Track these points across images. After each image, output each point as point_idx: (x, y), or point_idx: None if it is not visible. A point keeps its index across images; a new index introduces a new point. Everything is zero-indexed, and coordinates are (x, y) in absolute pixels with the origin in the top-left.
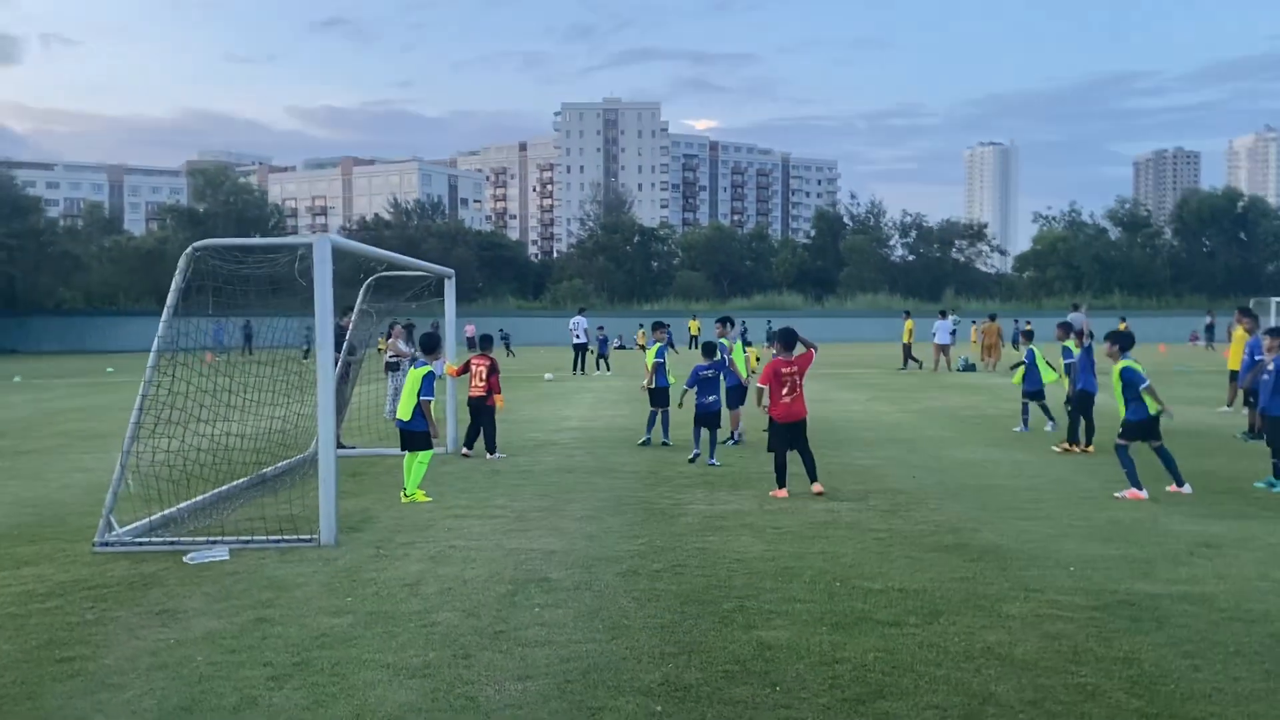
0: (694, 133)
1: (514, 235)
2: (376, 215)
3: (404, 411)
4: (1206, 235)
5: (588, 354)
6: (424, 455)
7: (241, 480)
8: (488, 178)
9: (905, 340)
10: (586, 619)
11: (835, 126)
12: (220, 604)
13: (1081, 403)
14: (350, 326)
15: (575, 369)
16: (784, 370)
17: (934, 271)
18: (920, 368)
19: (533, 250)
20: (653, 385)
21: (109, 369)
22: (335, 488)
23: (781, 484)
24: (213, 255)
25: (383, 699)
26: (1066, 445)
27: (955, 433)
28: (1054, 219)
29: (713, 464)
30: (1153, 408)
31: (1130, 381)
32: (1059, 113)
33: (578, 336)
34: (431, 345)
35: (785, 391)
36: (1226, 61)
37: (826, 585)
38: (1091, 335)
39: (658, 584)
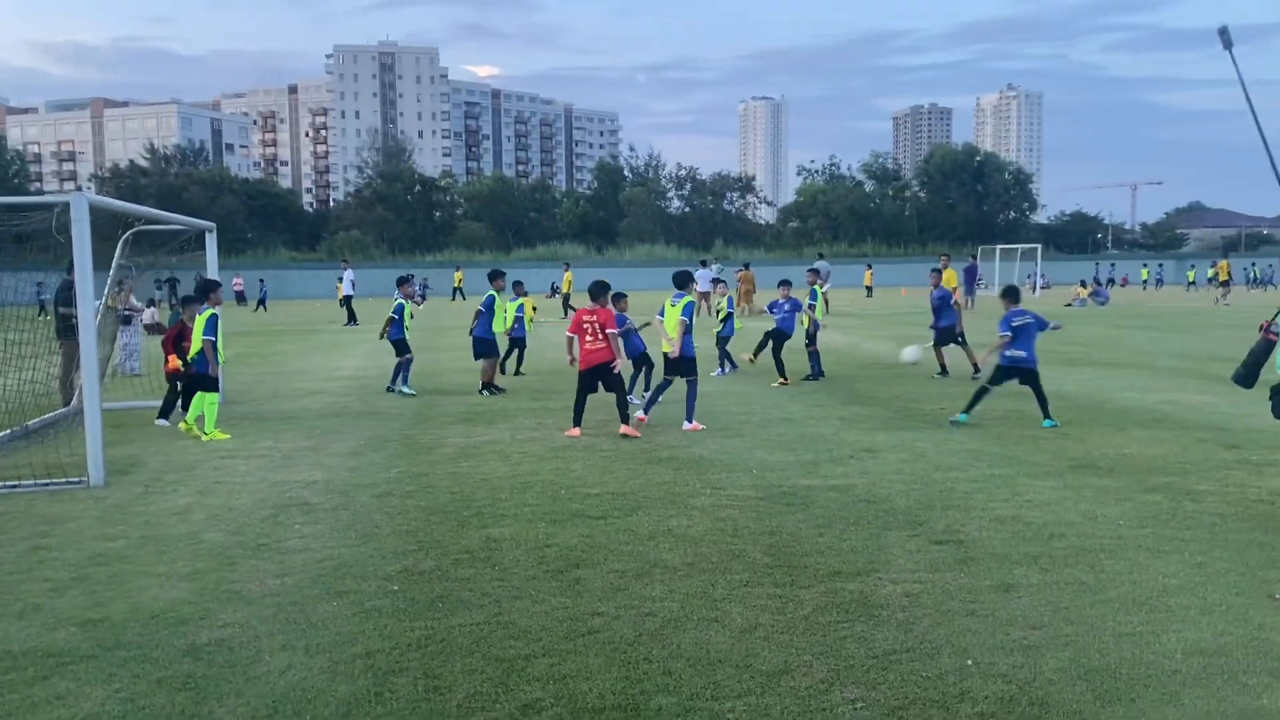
0: (475, 80)
1: (286, 183)
2: (132, 162)
3: (193, 353)
4: (949, 188)
5: (352, 304)
6: (211, 396)
7: (3, 433)
8: (255, 122)
9: (565, 290)
10: (341, 531)
11: (617, 78)
12: None
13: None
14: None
15: (348, 321)
16: (585, 319)
17: (707, 222)
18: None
19: (307, 199)
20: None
21: None
22: (101, 431)
23: (576, 423)
24: None
25: (156, 597)
26: (782, 380)
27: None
28: (816, 172)
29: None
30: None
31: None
32: (826, 68)
33: (345, 289)
34: (208, 289)
35: (587, 338)
36: (977, 22)
37: (553, 493)
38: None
39: (408, 501)
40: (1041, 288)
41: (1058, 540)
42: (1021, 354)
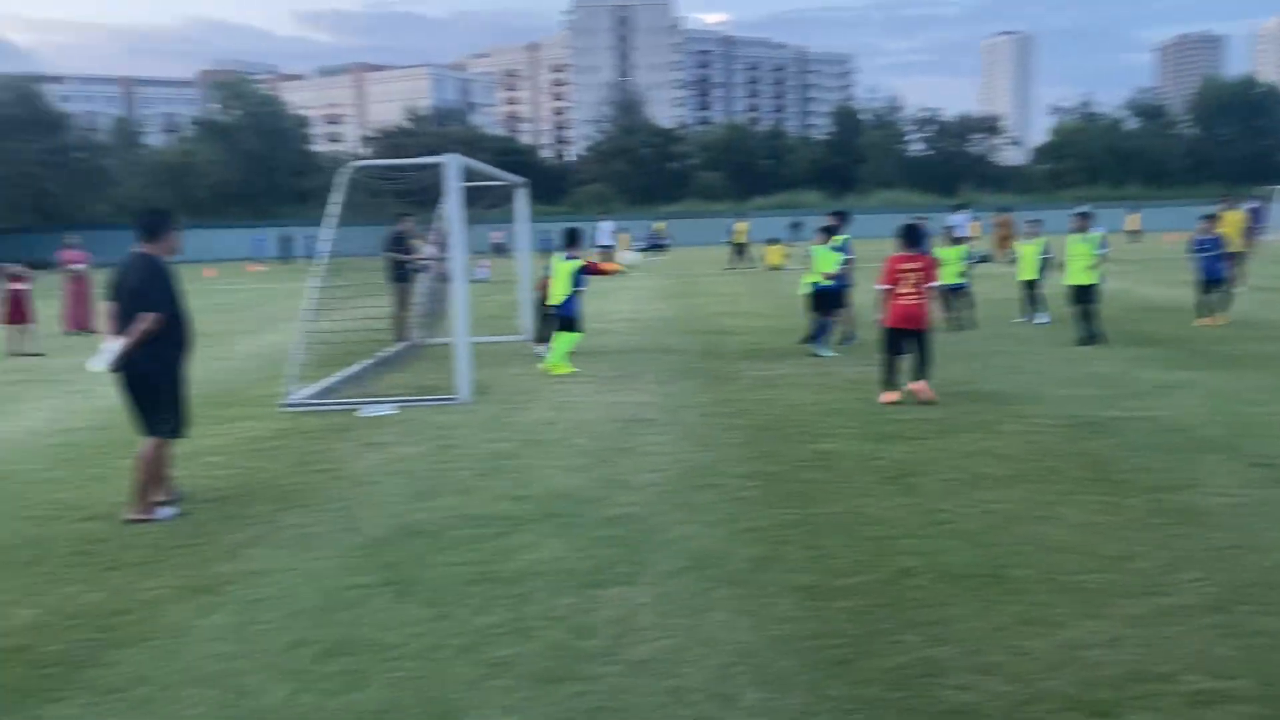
0: (706, 28)
1: (526, 139)
2: (400, 126)
3: (557, 299)
4: (1223, 124)
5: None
6: (570, 336)
7: (368, 360)
8: (498, 81)
9: (740, 240)
10: (683, 440)
11: (849, 17)
12: (408, 439)
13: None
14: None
15: None
16: (903, 267)
17: (951, 165)
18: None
19: (546, 154)
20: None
21: None
22: (470, 358)
23: (893, 387)
24: (370, 175)
25: (561, 483)
26: None
27: None
28: (1070, 111)
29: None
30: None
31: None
32: None
33: (605, 240)
34: (573, 239)
35: (903, 290)
36: None
37: (863, 418)
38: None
39: (732, 420)
40: None
41: None
42: None
